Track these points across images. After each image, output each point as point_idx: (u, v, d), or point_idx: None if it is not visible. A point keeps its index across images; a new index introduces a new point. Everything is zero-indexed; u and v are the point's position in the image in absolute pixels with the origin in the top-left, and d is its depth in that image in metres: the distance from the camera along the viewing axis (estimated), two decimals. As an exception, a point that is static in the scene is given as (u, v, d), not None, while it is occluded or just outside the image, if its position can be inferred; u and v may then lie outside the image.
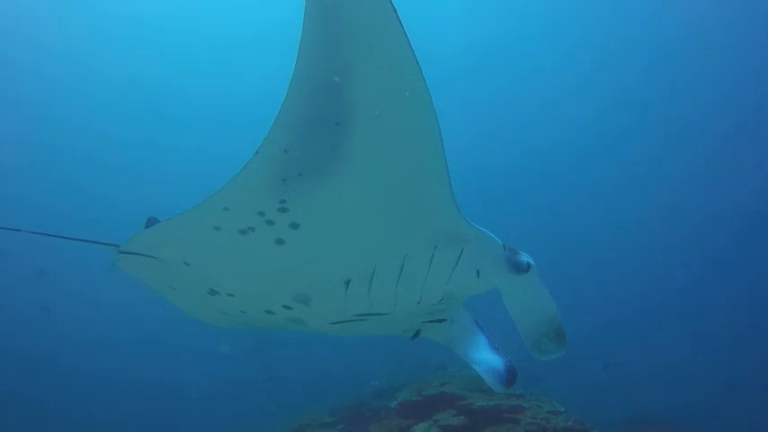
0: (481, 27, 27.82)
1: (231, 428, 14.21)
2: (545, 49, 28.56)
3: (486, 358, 3.37)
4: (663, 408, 12.52)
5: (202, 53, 30.83)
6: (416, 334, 3.52)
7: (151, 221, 3.25)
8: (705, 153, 28.12)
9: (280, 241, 2.70)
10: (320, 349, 16.40)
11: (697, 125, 28.06)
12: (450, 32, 26.89)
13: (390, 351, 12.67)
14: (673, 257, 27.50)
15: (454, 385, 6.99)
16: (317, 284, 2.99)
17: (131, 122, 31.75)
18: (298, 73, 2.17)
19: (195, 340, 18.50)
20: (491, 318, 3.48)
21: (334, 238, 2.75)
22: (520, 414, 6.50)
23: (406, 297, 3.02)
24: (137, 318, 21.29)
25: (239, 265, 2.90)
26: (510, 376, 3.23)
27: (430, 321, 3.35)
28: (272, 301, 3.11)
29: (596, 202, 30.63)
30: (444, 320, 3.40)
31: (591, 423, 7.00)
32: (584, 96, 29.53)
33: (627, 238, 29.21)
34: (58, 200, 28.81)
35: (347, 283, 2.92)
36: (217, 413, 15.29)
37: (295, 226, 2.64)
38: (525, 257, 3.01)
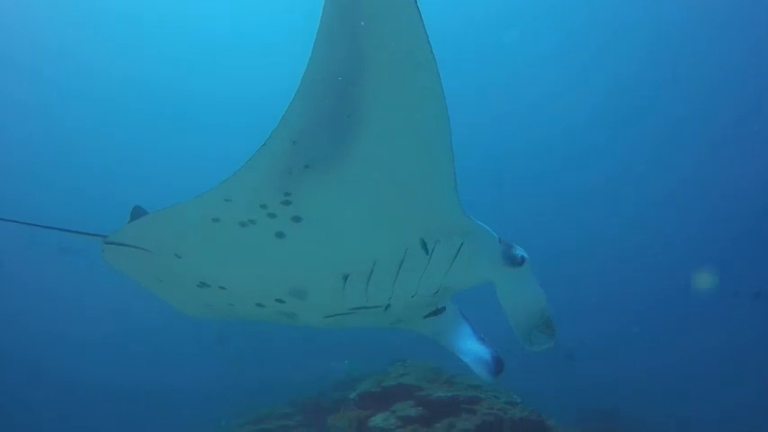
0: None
1: (189, 423, 14.05)
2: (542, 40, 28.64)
3: (473, 349, 3.49)
4: (623, 403, 12.90)
5: (204, 53, 30.64)
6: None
7: (137, 211, 3.19)
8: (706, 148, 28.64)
9: (280, 235, 2.67)
10: (281, 342, 16.33)
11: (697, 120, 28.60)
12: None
13: (353, 343, 12.74)
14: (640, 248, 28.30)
15: (413, 377, 7.07)
16: (315, 279, 2.98)
17: (130, 121, 31.44)
18: (313, 62, 2.13)
19: (155, 336, 18.29)
20: (470, 309, 3.54)
21: (337, 232, 2.73)
22: (476, 405, 6.60)
23: (403, 290, 3.04)
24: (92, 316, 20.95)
25: (236, 259, 2.87)
26: (497, 366, 3.36)
27: (428, 315, 3.41)
28: (265, 295, 3.08)
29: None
30: (443, 311, 3.46)
31: (548, 414, 7.20)
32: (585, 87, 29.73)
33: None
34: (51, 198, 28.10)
35: (346, 277, 2.91)
36: (176, 408, 15.08)
37: (297, 219, 2.61)
38: (520, 251, 3.10)
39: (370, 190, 2.61)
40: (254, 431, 8.06)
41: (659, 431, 10.79)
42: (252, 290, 3.10)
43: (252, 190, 2.52)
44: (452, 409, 6.57)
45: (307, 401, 8.79)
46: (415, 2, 1.99)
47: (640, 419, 11.79)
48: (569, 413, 11.20)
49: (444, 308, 3.44)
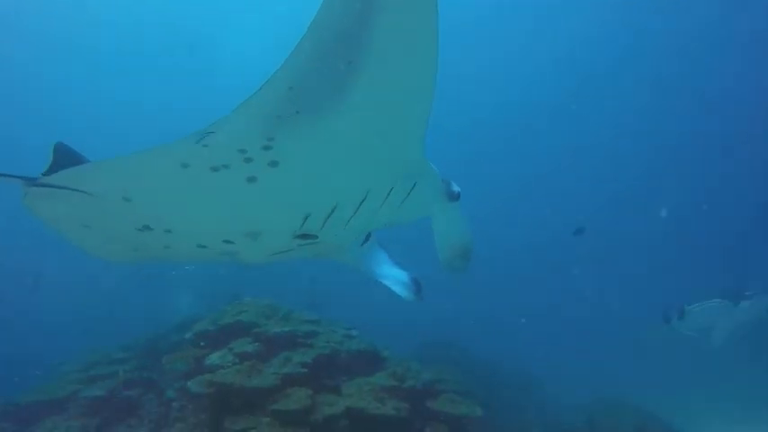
0: None
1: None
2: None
3: (393, 273, 3.97)
4: (458, 335, 14.07)
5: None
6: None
7: (61, 149, 3.03)
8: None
9: (252, 179, 2.74)
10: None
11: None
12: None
13: (197, 283, 12.52)
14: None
15: (251, 314, 7.16)
16: (276, 221, 3.12)
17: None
18: (323, 9, 2.17)
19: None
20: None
21: (309, 177, 2.85)
22: (314, 339, 6.91)
23: (356, 227, 3.31)
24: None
25: (197, 203, 2.88)
26: (417, 286, 3.87)
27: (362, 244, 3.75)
28: (215, 237, 3.15)
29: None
30: (368, 239, 3.81)
31: (388, 347, 7.70)
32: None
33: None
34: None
35: (306, 218, 3.09)
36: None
37: (274, 164, 2.69)
38: (456, 188, 3.51)
39: (353, 138, 2.74)
40: (81, 378, 7.70)
41: (492, 361, 11.94)
42: (203, 232, 3.14)
43: (236, 135, 2.54)
44: (290, 343, 6.80)
45: (142, 345, 8.54)
46: None
47: (477, 351, 12.99)
48: (413, 347, 12.04)
49: (369, 235, 3.78)
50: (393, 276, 3.96)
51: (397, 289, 3.82)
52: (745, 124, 26.49)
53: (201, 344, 6.98)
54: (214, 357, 6.44)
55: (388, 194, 3.22)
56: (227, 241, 3.17)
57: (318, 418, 5.66)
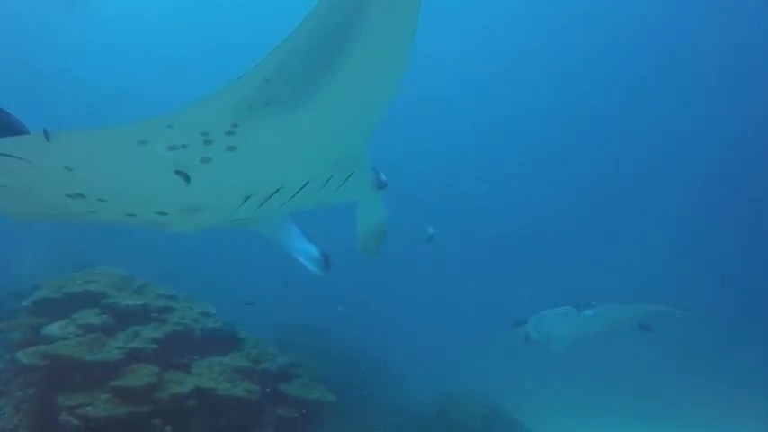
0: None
1: None
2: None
3: (304, 247, 4.25)
4: (323, 322, 14.22)
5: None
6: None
7: None
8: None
9: (206, 160, 2.83)
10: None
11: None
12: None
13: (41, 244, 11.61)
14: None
15: (101, 284, 6.77)
16: (218, 199, 3.29)
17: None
18: (314, 13, 2.30)
19: None
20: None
21: (261, 163, 3.01)
22: (168, 314, 6.70)
23: (290, 208, 3.52)
24: None
25: (145, 177, 2.93)
26: (326, 261, 4.19)
27: None
28: (149, 209, 3.24)
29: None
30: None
31: (243, 326, 7.64)
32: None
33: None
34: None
35: (247, 198, 3.28)
36: None
37: (231, 149, 2.80)
38: (384, 177, 3.87)
39: (312, 132, 2.93)
40: None
41: (352, 349, 12.22)
42: (139, 204, 3.23)
43: (203, 119, 2.63)
44: (142, 317, 6.55)
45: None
46: None
47: (340, 339, 13.23)
48: (276, 330, 12.02)
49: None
50: (304, 251, 4.27)
51: (308, 263, 4.15)
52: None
53: (40, 312, 6.53)
54: (53, 328, 6.06)
55: (327, 182, 3.46)
56: (161, 213, 3.29)
57: (163, 397, 5.54)
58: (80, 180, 2.94)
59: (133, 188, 3.07)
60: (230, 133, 2.73)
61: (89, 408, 5.10)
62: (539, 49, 29.00)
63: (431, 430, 9.54)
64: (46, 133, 2.67)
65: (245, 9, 28.89)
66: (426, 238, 11.55)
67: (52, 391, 5.37)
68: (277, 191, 3.31)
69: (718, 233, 29.03)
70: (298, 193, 3.42)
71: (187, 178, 2.94)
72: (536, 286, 21.75)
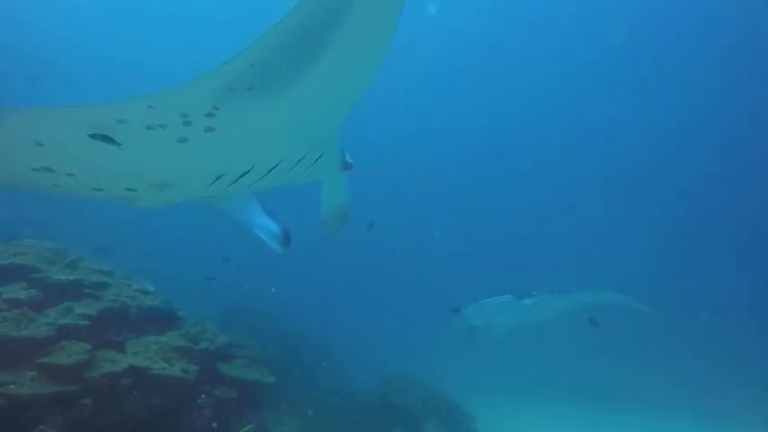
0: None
1: None
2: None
3: (265, 224, 4.29)
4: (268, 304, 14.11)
5: None
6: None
7: None
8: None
9: (183, 140, 2.88)
10: None
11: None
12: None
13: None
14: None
15: (30, 257, 6.46)
16: (190, 178, 3.37)
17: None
18: (304, 1, 2.36)
19: None
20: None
21: (236, 145, 3.08)
22: (103, 290, 6.46)
23: (259, 187, 3.63)
24: None
25: (119, 155, 2.92)
26: (286, 237, 4.24)
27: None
28: (118, 184, 3.26)
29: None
30: None
31: (183, 305, 7.47)
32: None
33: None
34: None
35: (218, 177, 3.34)
36: None
37: (210, 130, 2.85)
38: (350, 159, 4.02)
39: (290, 117, 3.04)
40: None
41: (296, 331, 12.19)
42: (109, 179, 3.23)
43: (185, 101, 2.67)
44: (74, 293, 6.30)
45: None
46: None
47: (285, 321, 13.17)
48: (218, 310, 11.84)
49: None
50: (264, 227, 4.33)
51: (268, 239, 4.22)
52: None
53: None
54: (-25, 302, 5.75)
55: (297, 163, 3.54)
56: (129, 189, 3.32)
57: (95, 376, 5.35)
58: (50, 155, 2.92)
59: (105, 165, 3.08)
60: (210, 115, 2.79)
61: (12, 386, 4.87)
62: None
63: (370, 413, 9.63)
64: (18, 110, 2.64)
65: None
66: (366, 227, 11.63)
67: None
68: (248, 171, 3.36)
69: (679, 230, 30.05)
70: (269, 173, 3.48)
71: (163, 157, 3.03)
72: (485, 275, 22.22)
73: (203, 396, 6.27)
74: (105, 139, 2.80)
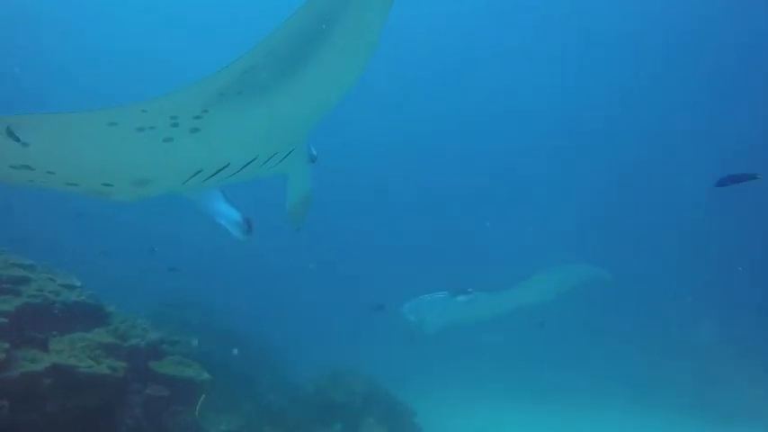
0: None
1: None
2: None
3: (227, 212, 4.52)
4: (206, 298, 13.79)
5: None
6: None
7: None
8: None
9: (168, 140, 3.02)
10: None
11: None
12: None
13: None
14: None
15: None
16: (170, 174, 3.52)
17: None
18: (301, 13, 2.57)
19: None
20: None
21: (218, 144, 3.25)
22: (23, 285, 6.10)
23: (231, 181, 3.81)
24: None
25: (104, 155, 3.09)
26: (248, 225, 4.50)
27: None
28: (96, 180, 3.35)
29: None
30: None
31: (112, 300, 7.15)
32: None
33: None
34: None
35: (196, 173, 3.49)
36: None
37: (195, 131, 3.02)
38: (315, 151, 4.26)
39: (272, 119, 3.23)
40: None
41: (235, 326, 11.96)
42: (86, 176, 3.31)
43: (176, 105, 2.83)
44: (-10, 289, 5.93)
45: None
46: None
47: (223, 316, 12.88)
48: (152, 305, 11.46)
49: None
50: (226, 215, 4.56)
51: (230, 227, 4.43)
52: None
53: None
54: None
55: (270, 158, 3.73)
56: (106, 184, 3.41)
57: (12, 376, 5.05)
58: (33, 155, 2.95)
59: (89, 163, 3.19)
60: (197, 117, 2.95)
61: None
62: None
63: (309, 409, 9.54)
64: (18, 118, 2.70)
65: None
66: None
67: None
68: (225, 167, 3.51)
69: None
70: (242, 168, 3.64)
71: (147, 155, 3.18)
72: (435, 271, 22.39)
73: (133, 395, 6.03)
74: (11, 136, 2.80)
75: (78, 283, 6.65)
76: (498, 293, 10.74)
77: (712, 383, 14.53)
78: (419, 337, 11.47)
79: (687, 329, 18.32)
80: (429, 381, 14.30)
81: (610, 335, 18.82)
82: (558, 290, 11.16)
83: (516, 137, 32.16)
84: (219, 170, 3.54)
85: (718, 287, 23.01)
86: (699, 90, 26.70)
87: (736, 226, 27.21)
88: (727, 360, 15.26)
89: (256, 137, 3.43)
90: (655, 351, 17.34)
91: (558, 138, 31.49)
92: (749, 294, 22.90)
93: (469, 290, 10.51)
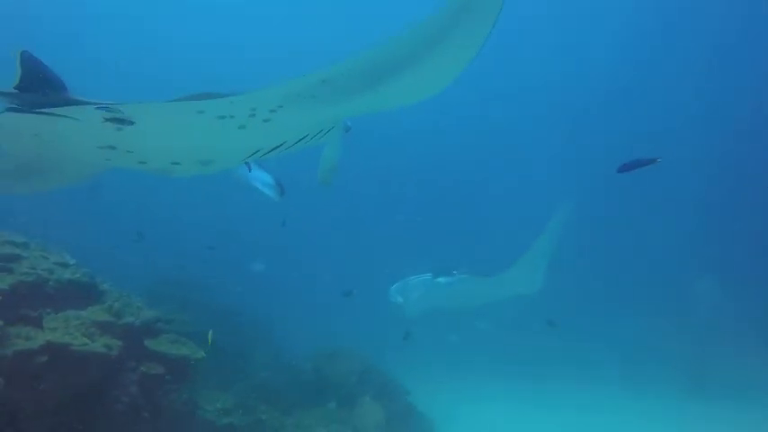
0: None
1: None
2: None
3: (261, 176, 5.05)
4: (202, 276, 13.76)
5: None
6: None
7: (28, 60, 3.17)
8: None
9: (242, 127, 3.44)
10: None
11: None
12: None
13: None
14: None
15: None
16: (234, 155, 4.09)
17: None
18: (393, 44, 2.92)
19: None
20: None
21: (282, 129, 3.67)
22: (16, 263, 6.06)
23: (279, 155, 4.23)
24: None
25: (184, 137, 3.57)
26: (281, 186, 5.10)
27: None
28: (167, 159, 3.80)
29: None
30: None
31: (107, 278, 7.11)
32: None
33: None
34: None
35: (255, 152, 3.96)
36: None
37: (266, 121, 3.43)
38: (351, 122, 4.51)
39: (329, 118, 3.78)
40: None
41: (229, 304, 11.95)
42: (160, 156, 3.77)
43: (260, 100, 3.24)
44: (-16, 267, 5.88)
45: None
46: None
47: (218, 294, 12.86)
48: (147, 283, 11.43)
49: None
50: (262, 179, 4.96)
51: (266, 190, 4.94)
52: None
53: None
54: None
55: (316, 135, 4.09)
56: (175, 163, 3.85)
57: (6, 353, 5.03)
58: (125, 137, 3.34)
59: (169, 144, 3.63)
60: (273, 111, 3.33)
61: None
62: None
63: (304, 387, 9.59)
64: (128, 105, 3.09)
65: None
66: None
67: None
68: (280, 146, 3.87)
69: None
70: (294, 145, 3.97)
71: (221, 139, 3.64)
72: (431, 251, 22.33)
73: (128, 373, 6.03)
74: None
75: (72, 261, 6.61)
76: (485, 278, 10.26)
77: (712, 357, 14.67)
78: (414, 336, 11.10)
79: (685, 303, 18.50)
80: (413, 357, 14.31)
81: (604, 306, 18.94)
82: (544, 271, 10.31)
83: (515, 109, 32.09)
84: (275, 148, 3.91)
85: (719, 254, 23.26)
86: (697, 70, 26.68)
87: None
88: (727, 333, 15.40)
89: (316, 124, 3.83)
90: (650, 325, 17.48)
91: (557, 112, 31.43)
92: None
93: (455, 272, 10.16)
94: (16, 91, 3.08)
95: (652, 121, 29.31)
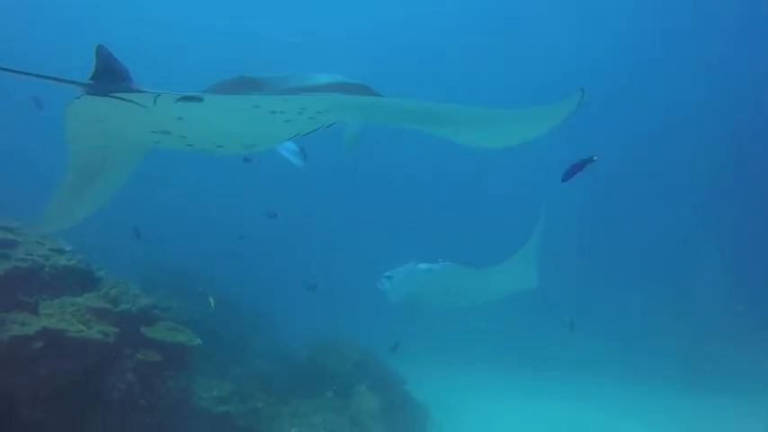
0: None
1: None
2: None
3: (285, 144, 5.09)
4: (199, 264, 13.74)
5: None
6: None
7: (103, 53, 3.46)
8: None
9: (288, 121, 3.74)
10: None
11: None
12: None
13: None
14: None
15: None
16: (274, 140, 4.48)
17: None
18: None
19: None
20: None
21: (322, 122, 3.96)
22: (11, 249, 6.04)
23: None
24: None
25: (236, 126, 3.86)
26: (303, 153, 5.22)
27: None
28: (213, 143, 4.12)
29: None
30: None
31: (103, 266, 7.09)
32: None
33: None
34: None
35: (294, 136, 4.20)
36: None
37: (311, 118, 3.78)
38: None
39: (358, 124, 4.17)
40: None
41: (227, 293, 11.91)
42: (208, 140, 4.06)
43: (312, 104, 3.56)
44: (-23, 253, 5.86)
45: None
46: None
47: (216, 282, 12.83)
48: (144, 270, 11.41)
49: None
50: (286, 147, 5.16)
51: (290, 156, 5.13)
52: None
53: None
54: None
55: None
56: (219, 146, 4.16)
57: (2, 339, 5.03)
58: (182, 124, 3.64)
59: (220, 132, 3.93)
60: (319, 112, 3.68)
61: None
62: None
63: (300, 375, 9.61)
64: (196, 97, 3.35)
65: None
66: (270, 215, 11.44)
67: None
68: (315, 129, 4.09)
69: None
70: (326, 128, 4.17)
71: (267, 128, 3.99)
72: (427, 240, 22.32)
73: (124, 360, 6.03)
74: None
75: (68, 248, 6.59)
76: (469, 268, 9.88)
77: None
78: (401, 345, 10.75)
79: (684, 296, 18.56)
80: (409, 347, 14.31)
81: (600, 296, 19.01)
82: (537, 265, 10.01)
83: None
84: (310, 132, 4.12)
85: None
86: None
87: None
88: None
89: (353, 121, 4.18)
90: (649, 317, 17.55)
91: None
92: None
93: (440, 260, 9.80)
94: (92, 82, 3.38)
95: (652, 121, 29.26)
